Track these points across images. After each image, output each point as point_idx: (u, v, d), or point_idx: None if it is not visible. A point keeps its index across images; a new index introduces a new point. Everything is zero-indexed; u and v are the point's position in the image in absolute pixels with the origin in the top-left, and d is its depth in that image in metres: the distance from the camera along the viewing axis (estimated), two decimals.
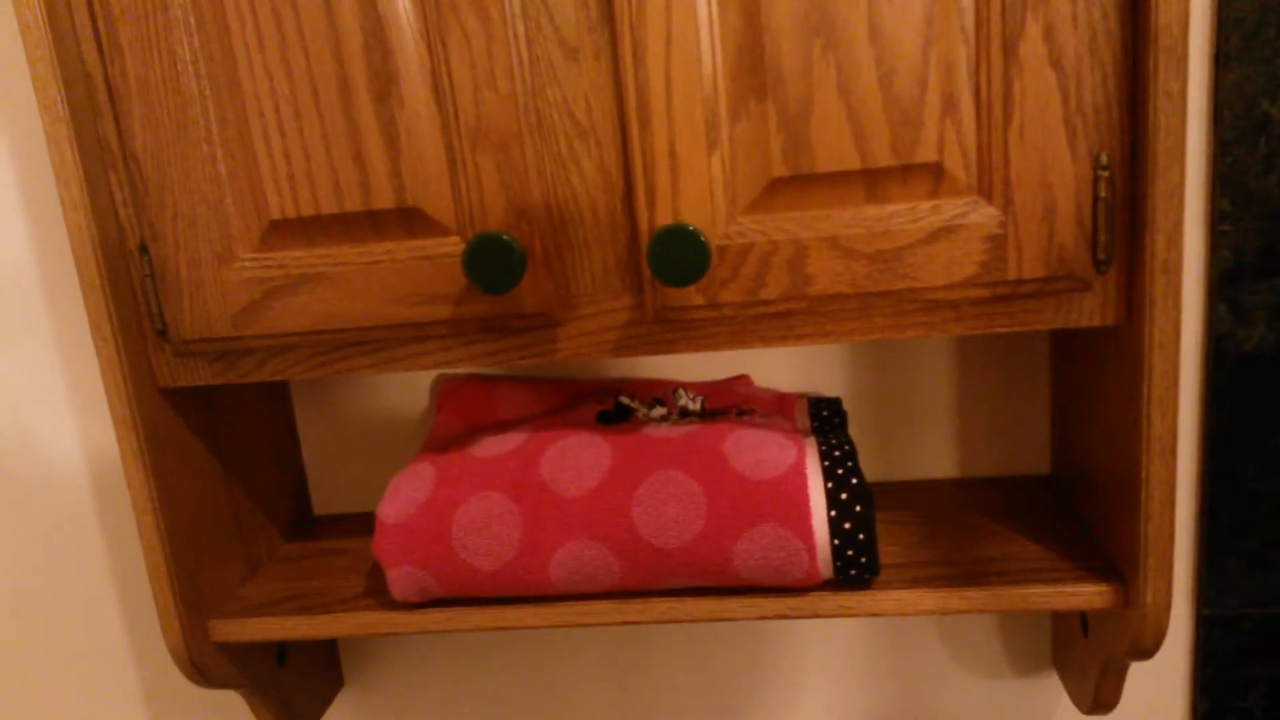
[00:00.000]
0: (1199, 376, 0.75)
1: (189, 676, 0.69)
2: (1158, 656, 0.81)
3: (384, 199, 0.58)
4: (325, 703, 0.88)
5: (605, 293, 0.59)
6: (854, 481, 0.61)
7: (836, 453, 0.64)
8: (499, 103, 0.56)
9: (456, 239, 0.58)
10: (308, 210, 0.59)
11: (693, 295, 0.57)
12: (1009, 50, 0.52)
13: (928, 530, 0.71)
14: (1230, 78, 0.69)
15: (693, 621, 0.65)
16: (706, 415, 0.72)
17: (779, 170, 0.55)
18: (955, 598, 0.62)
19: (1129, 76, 0.52)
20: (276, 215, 0.59)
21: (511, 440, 0.68)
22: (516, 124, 0.56)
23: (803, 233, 0.56)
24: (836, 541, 0.61)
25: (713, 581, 0.64)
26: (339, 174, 0.58)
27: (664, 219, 0.56)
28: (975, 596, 0.62)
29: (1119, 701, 0.70)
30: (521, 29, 0.55)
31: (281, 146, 0.58)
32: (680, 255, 0.54)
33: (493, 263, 0.55)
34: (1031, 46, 0.52)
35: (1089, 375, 0.66)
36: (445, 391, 0.79)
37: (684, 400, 0.74)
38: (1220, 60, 0.69)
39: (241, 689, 0.73)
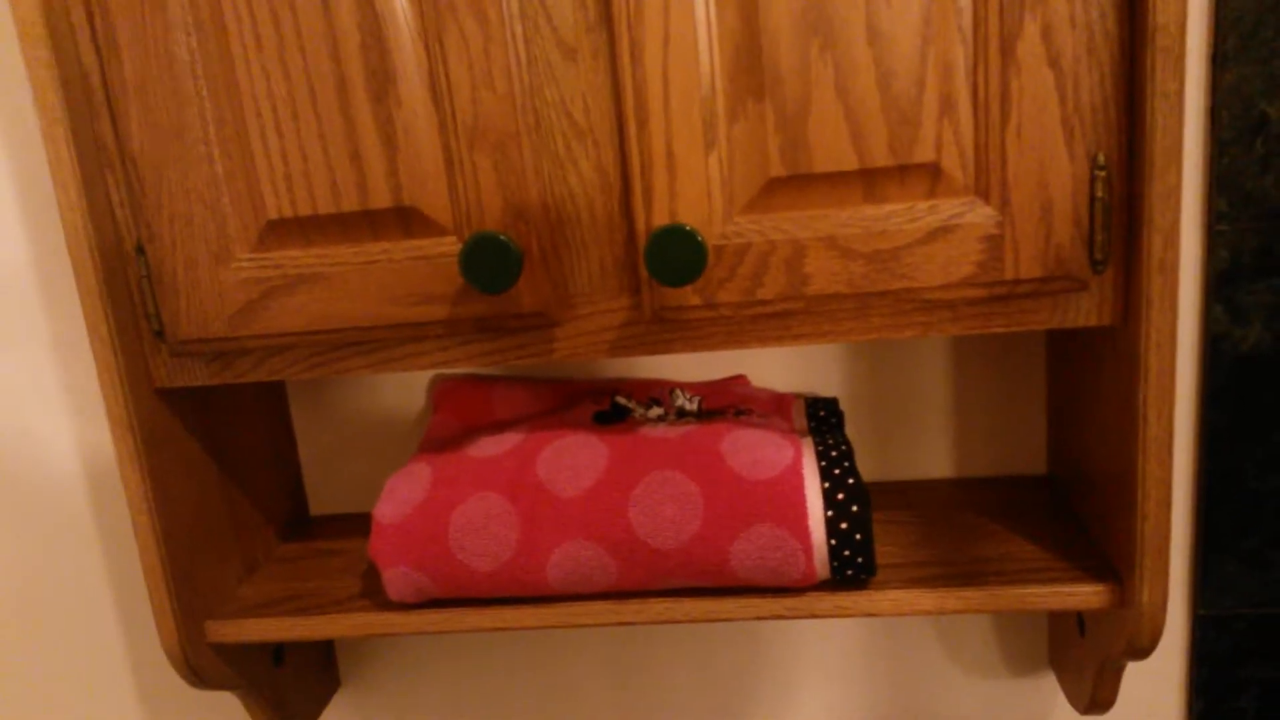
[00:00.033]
0: (1196, 376, 0.75)
1: (185, 677, 0.69)
2: (1154, 656, 0.81)
3: (381, 199, 0.58)
4: (321, 704, 0.88)
5: (602, 293, 0.59)
6: (851, 481, 0.61)
7: (833, 453, 0.64)
8: (496, 103, 0.56)
9: (453, 239, 0.58)
10: (305, 210, 0.59)
11: (690, 295, 0.57)
12: (1007, 50, 0.52)
13: (924, 530, 0.71)
14: (1228, 78, 0.69)
15: (690, 622, 0.65)
16: (703, 415, 0.72)
17: (776, 170, 0.55)
18: (952, 598, 0.62)
19: (1126, 76, 0.52)
20: (274, 215, 0.59)
21: (508, 440, 0.68)
22: (514, 124, 0.56)
23: (800, 233, 0.56)
24: (833, 541, 0.61)
25: (709, 582, 0.64)
26: (336, 174, 0.58)
27: (661, 219, 0.56)
28: (972, 596, 0.62)
29: (1115, 701, 0.70)
30: (519, 29, 0.55)
31: (279, 146, 0.58)
32: (677, 255, 0.54)
33: (490, 263, 0.55)
34: (1029, 46, 0.52)
35: (1086, 375, 0.66)
36: (442, 392, 0.79)
37: (681, 400, 0.74)
38: (1218, 60, 0.69)
39: (237, 690, 0.73)
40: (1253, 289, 0.72)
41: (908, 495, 0.78)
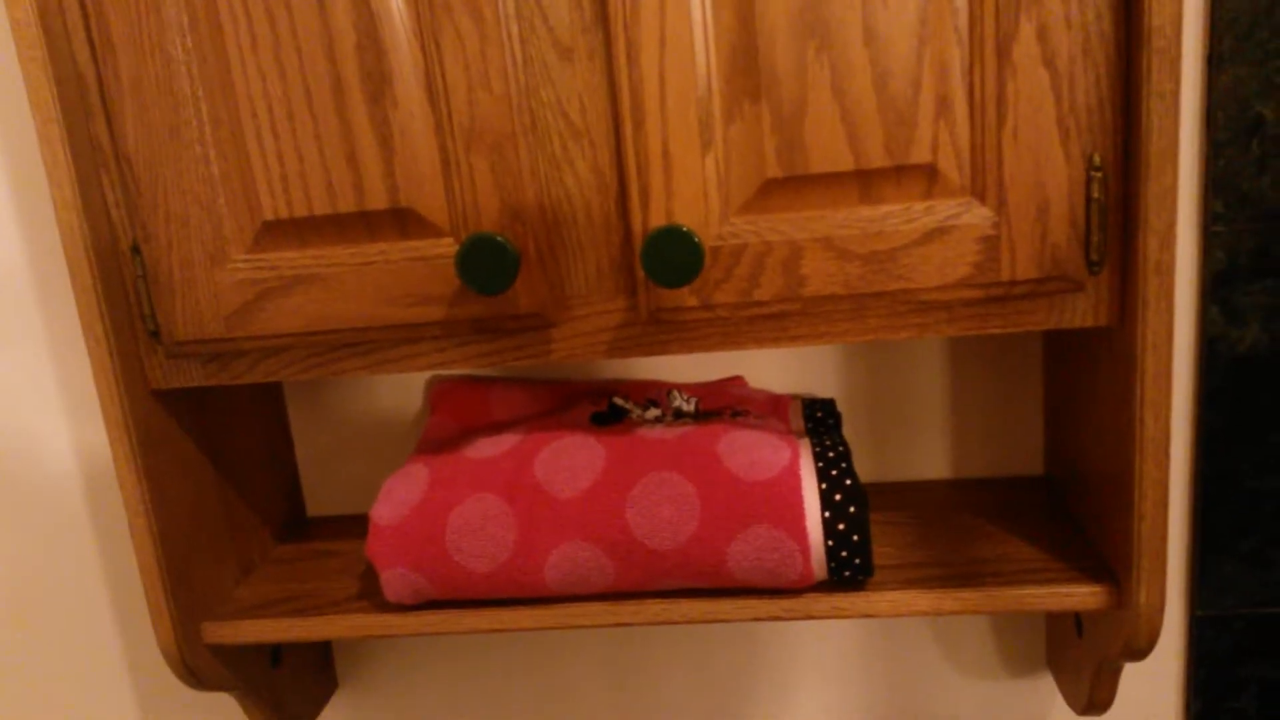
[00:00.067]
0: (1192, 377, 0.75)
1: (182, 679, 0.69)
2: (1151, 657, 0.81)
3: (377, 200, 0.58)
4: (319, 705, 0.87)
5: (599, 294, 0.59)
6: (848, 482, 0.61)
7: (830, 454, 0.64)
8: (493, 103, 0.56)
9: (450, 240, 0.58)
10: (301, 211, 0.59)
11: (686, 296, 0.57)
12: (1002, 51, 0.52)
13: (922, 531, 0.71)
14: (1223, 79, 0.69)
15: (687, 623, 0.65)
16: (700, 416, 0.72)
17: (773, 171, 0.55)
18: (949, 599, 0.62)
19: (1122, 78, 0.52)
20: (269, 216, 0.59)
21: (505, 442, 0.68)
22: (510, 125, 0.56)
23: (797, 234, 0.56)
24: (830, 543, 0.61)
25: (707, 583, 0.64)
26: (332, 175, 0.58)
27: (658, 220, 0.56)
28: (969, 597, 0.62)
29: (1113, 702, 0.70)
30: (515, 29, 0.55)
31: (274, 147, 0.58)
32: (674, 256, 0.54)
33: (486, 264, 0.55)
34: (1025, 47, 0.52)
35: (1082, 376, 0.66)
36: (439, 393, 0.79)
37: (678, 401, 0.74)
38: (1213, 62, 0.69)
39: (235, 691, 0.73)
40: (1249, 290, 0.72)
41: (905, 496, 0.78)
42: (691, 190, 0.55)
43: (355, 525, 0.84)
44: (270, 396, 0.82)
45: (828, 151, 0.55)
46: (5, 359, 0.86)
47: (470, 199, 0.57)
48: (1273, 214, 0.71)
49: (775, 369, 0.80)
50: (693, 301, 0.57)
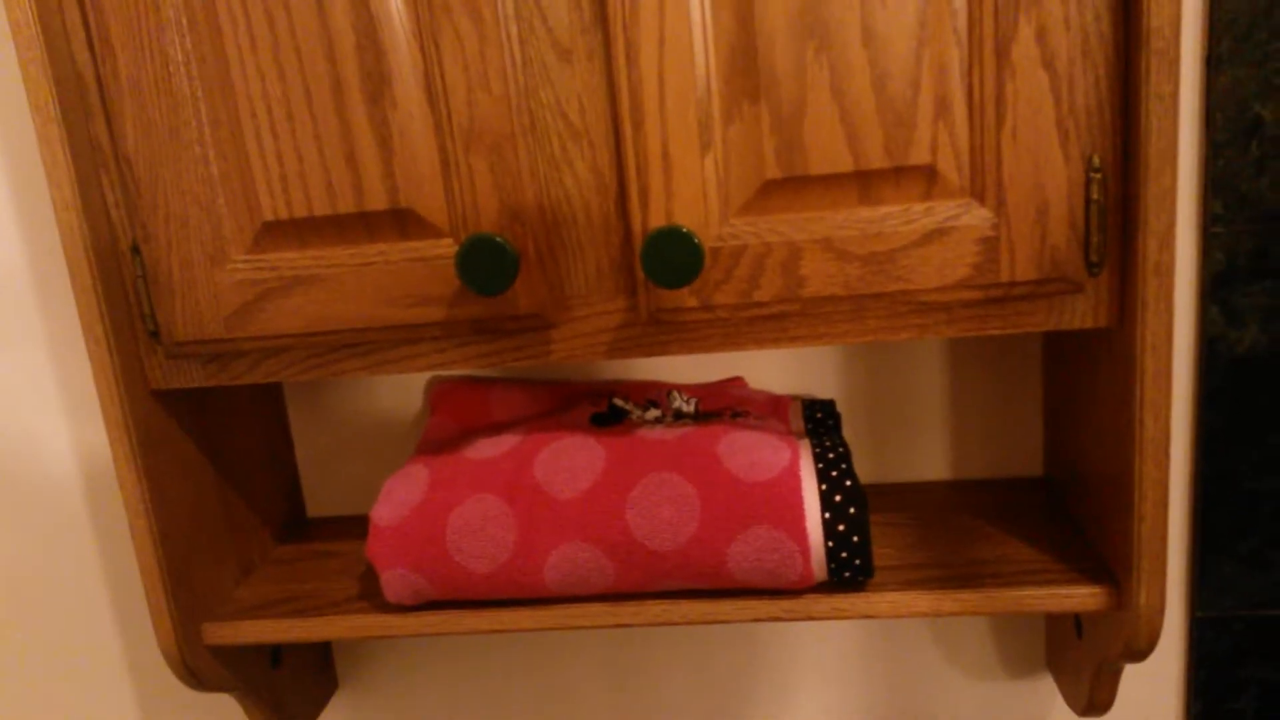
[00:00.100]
0: (1192, 378, 0.75)
1: (182, 679, 0.69)
2: (1152, 658, 0.81)
3: (377, 200, 0.58)
4: (319, 706, 0.87)
5: (599, 294, 0.59)
6: (848, 483, 0.61)
7: (830, 455, 0.64)
8: (492, 104, 0.56)
9: (450, 241, 0.58)
10: (300, 212, 0.59)
11: (686, 297, 0.57)
12: (1001, 52, 0.52)
13: (921, 532, 0.71)
14: (1222, 80, 0.69)
15: (687, 624, 0.65)
16: (700, 417, 0.72)
17: (772, 172, 0.55)
18: (949, 600, 0.62)
19: (1121, 79, 0.52)
20: (269, 217, 0.59)
21: (505, 442, 0.68)
22: (509, 125, 0.56)
23: (796, 235, 0.56)
24: (830, 543, 0.61)
25: (707, 584, 0.64)
26: (331, 175, 0.58)
27: (657, 221, 0.56)
28: (969, 598, 0.62)
29: (1113, 703, 0.70)
30: (514, 30, 0.55)
31: (274, 148, 0.58)
32: (674, 257, 0.54)
33: (486, 264, 0.55)
34: (1024, 49, 0.52)
35: (1082, 377, 0.66)
36: (439, 393, 0.79)
37: (678, 402, 0.74)
38: (1212, 63, 0.69)
39: (235, 692, 0.73)
40: (1248, 291, 0.72)
41: (904, 497, 0.78)
42: (691, 191, 0.56)
43: (355, 526, 0.84)
44: (270, 397, 0.82)
45: (827, 152, 0.55)
46: (5, 359, 0.86)
47: (470, 200, 0.57)
48: (1272, 215, 0.71)
49: (775, 370, 0.80)
50: (692, 302, 0.57)
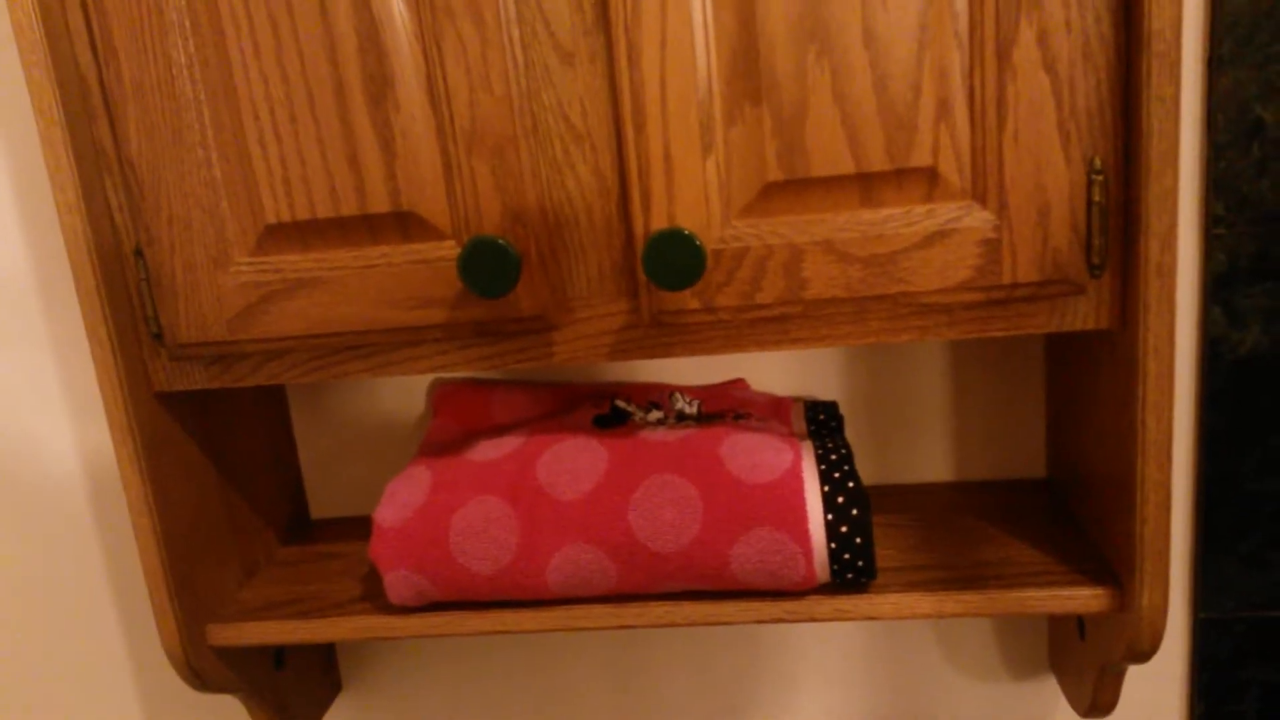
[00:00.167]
0: (1194, 380, 0.75)
1: (186, 680, 0.69)
2: (1154, 659, 0.81)
3: (379, 203, 0.58)
4: (323, 707, 0.88)
5: (601, 296, 0.59)
6: (850, 485, 0.61)
7: (833, 456, 0.64)
8: (494, 106, 0.56)
9: (452, 243, 0.58)
10: (303, 214, 0.59)
11: (688, 299, 0.57)
12: (1003, 55, 0.52)
13: (924, 534, 0.71)
14: (1223, 82, 0.69)
15: (690, 625, 0.65)
16: (703, 419, 0.72)
17: (774, 174, 0.55)
18: (952, 601, 0.62)
19: (1122, 81, 0.52)
20: (272, 219, 0.59)
21: (508, 444, 0.68)
22: (511, 128, 0.56)
23: (798, 237, 0.56)
24: (833, 545, 0.61)
25: (709, 585, 0.64)
26: (334, 178, 0.58)
27: (659, 223, 0.56)
28: (972, 600, 0.62)
29: (1117, 704, 0.70)
30: (516, 33, 0.55)
31: (277, 150, 0.58)
32: (675, 259, 0.54)
33: (488, 267, 0.55)
34: (1025, 51, 0.52)
35: (1084, 379, 0.66)
36: (441, 395, 0.79)
37: (680, 404, 0.74)
38: (1213, 64, 0.69)
39: (239, 693, 0.73)
40: (1250, 292, 0.72)
41: (907, 499, 0.78)
42: (693, 193, 0.56)
43: (358, 527, 0.84)
44: (273, 399, 0.82)
45: (828, 155, 0.55)
46: (9, 361, 0.86)
47: (472, 202, 0.57)
48: (1273, 216, 0.71)
49: (777, 371, 0.80)
50: (694, 304, 0.57)
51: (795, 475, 0.61)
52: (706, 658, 0.87)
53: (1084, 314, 0.56)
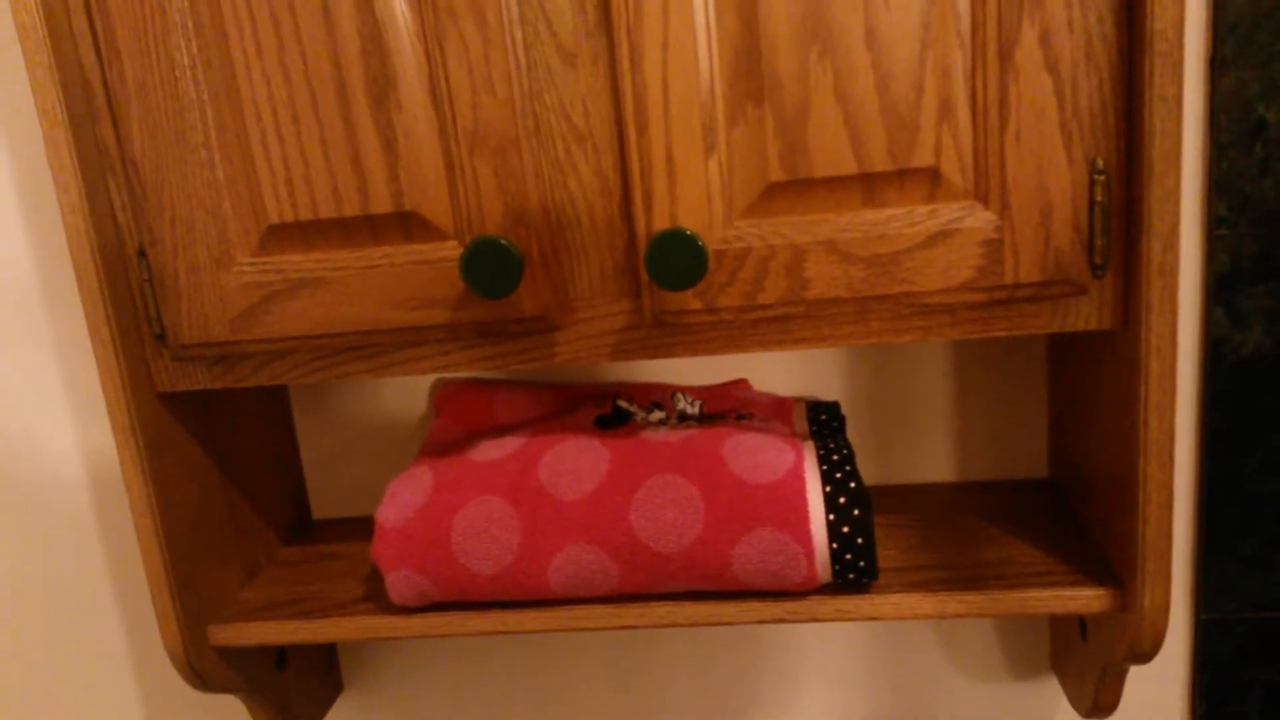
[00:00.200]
0: (1196, 380, 0.75)
1: (188, 681, 0.69)
2: (1156, 660, 0.81)
3: (382, 204, 0.58)
4: (324, 707, 0.88)
5: (603, 297, 0.59)
6: (852, 485, 0.61)
7: (835, 456, 0.64)
8: (496, 107, 0.56)
9: (454, 243, 0.58)
10: (306, 215, 0.59)
11: (690, 299, 0.57)
12: (1005, 55, 0.52)
13: (926, 534, 0.71)
14: (1226, 82, 0.69)
15: (691, 626, 0.65)
16: (705, 419, 0.72)
17: (776, 175, 0.55)
18: (954, 601, 0.62)
19: (1125, 81, 0.52)
20: (274, 220, 0.60)
21: (510, 444, 0.68)
22: (514, 129, 0.56)
23: (800, 237, 0.56)
24: (835, 545, 0.61)
25: (711, 585, 0.64)
26: (337, 178, 0.58)
27: (661, 223, 0.56)
28: (973, 600, 0.62)
29: (1118, 705, 0.70)
30: (519, 34, 0.55)
31: (279, 151, 0.58)
32: (678, 259, 0.54)
33: (490, 267, 0.55)
34: (1027, 51, 0.52)
35: (1086, 379, 0.66)
36: (443, 396, 0.79)
37: (682, 404, 0.74)
38: (1216, 65, 0.69)
39: (240, 693, 0.73)
40: (1252, 293, 0.72)
41: (909, 499, 0.78)
42: (695, 194, 0.56)
43: (360, 528, 0.84)
44: (275, 399, 0.83)
45: (830, 155, 0.55)
46: (12, 361, 0.87)
47: (474, 202, 0.57)
48: (1276, 216, 0.71)
49: (779, 372, 0.80)
50: (697, 304, 0.57)
51: (797, 475, 0.61)
52: (708, 658, 0.87)
53: (1086, 314, 0.56)
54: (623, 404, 0.74)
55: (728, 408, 0.74)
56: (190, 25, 0.57)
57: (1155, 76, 0.50)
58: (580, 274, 0.59)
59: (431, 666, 0.90)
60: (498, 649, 0.89)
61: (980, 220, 0.54)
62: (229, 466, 0.74)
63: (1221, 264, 0.72)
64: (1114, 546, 0.63)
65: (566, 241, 0.59)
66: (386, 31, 0.56)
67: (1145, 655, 0.60)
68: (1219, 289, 0.73)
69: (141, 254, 0.61)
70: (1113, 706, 0.69)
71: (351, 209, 0.59)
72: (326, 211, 0.59)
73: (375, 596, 0.71)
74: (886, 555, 0.68)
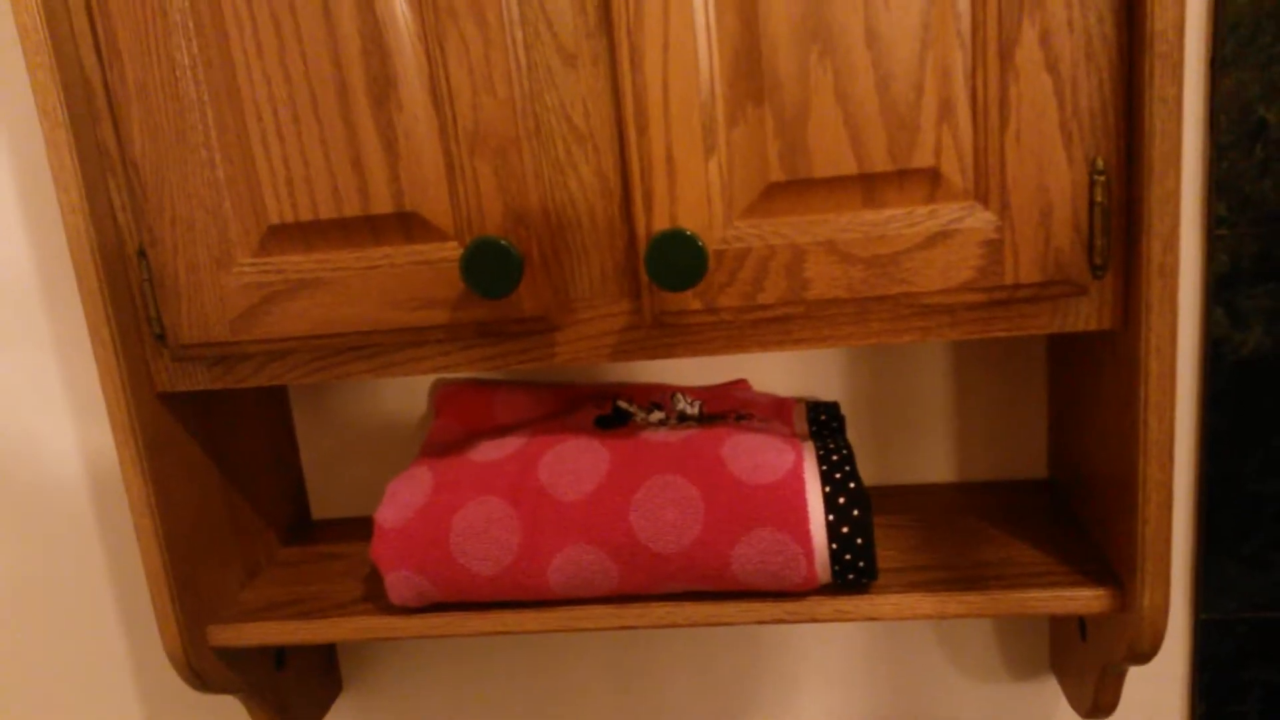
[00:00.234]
0: (1196, 380, 0.75)
1: (187, 681, 0.69)
2: (1156, 660, 0.81)
3: (382, 204, 0.58)
4: (324, 708, 0.88)
5: (603, 297, 0.59)
6: (852, 485, 0.61)
7: (834, 457, 0.64)
8: (497, 108, 0.56)
9: (455, 244, 0.58)
10: (306, 215, 0.59)
11: (690, 300, 0.57)
12: (1005, 55, 0.52)
13: (925, 534, 0.71)
14: (1226, 83, 0.69)
15: (691, 626, 0.65)
16: (704, 420, 0.72)
17: (776, 175, 0.55)
18: (953, 602, 0.62)
19: (1125, 81, 0.52)
20: (275, 220, 0.60)
21: (510, 445, 0.68)
22: (514, 129, 0.56)
23: (800, 237, 0.56)
24: (834, 546, 0.61)
25: (711, 586, 0.64)
26: (337, 179, 0.58)
27: (661, 224, 0.56)
28: (973, 600, 0.62)
29: (1118, 705, 0.70)
30: (519, 34, 0.55)
31: (280, 151, 0.58)
32: (678, 260, 0.54)
33: (491, 267, 0.55)
34: (1028, 52, 0.52)
35: (1086, 379, 0.66)
36: (443, 396, 0.79)
37: (682, 405, 0.74)
38: (1216, 65, 0.69)
39: (240, 694, 0.73)
40: (1252, 293, 0.72)
41: (908, 499, 0.78)
42: (695, 194, 0.56)
43: (360, 528, 0.84)
44: (275, 400, 0.83)
45: (830, 155, 0.55)
46: (11, 361, 0.87)
47: (474, 203, 0.57)
48: (1275, 217, 0.71)
49: (779, 372, 0.80)
50: (696, 305, 0.57)
51: (797, 476, 0.61)
52: (708, 658, 0.87)
53: (1086, 314, 0.56)
54: (622, 404, 0.74)
55: (727, 408, 0.75)
56: (191, 26, 0.57)
57: (1155, 77, 0.50)
58: (580, 274, 0.59)
59: (431, 667, 0.90)
60: (497, 649, 0.89)
61: (980, 220, 0.54)
62: (229, 467, 0.74)
63: (1221, 264, 0.72)
64: (1114, 547, 0.63)
65: (566, 242, 0.59)
66: (387, 32, 0.56)
67: (1145, 655, 0.60)
68: (1219, 289, 0.73)
69: (142, 254, 0.61)
70: (1112, 707, 0.69)
71: (352, 209, 0.59)
72: (327, 212, 0.59)
73: (375, 597, 0.71)
74: (886, 556, 0.68)
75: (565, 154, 0.57)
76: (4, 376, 0.87)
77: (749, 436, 0.65)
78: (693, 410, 0.74)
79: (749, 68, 0.54)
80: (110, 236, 0.61)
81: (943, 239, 0.55)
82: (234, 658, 0.71)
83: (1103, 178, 0.53)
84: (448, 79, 0.56)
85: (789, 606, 0.64)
